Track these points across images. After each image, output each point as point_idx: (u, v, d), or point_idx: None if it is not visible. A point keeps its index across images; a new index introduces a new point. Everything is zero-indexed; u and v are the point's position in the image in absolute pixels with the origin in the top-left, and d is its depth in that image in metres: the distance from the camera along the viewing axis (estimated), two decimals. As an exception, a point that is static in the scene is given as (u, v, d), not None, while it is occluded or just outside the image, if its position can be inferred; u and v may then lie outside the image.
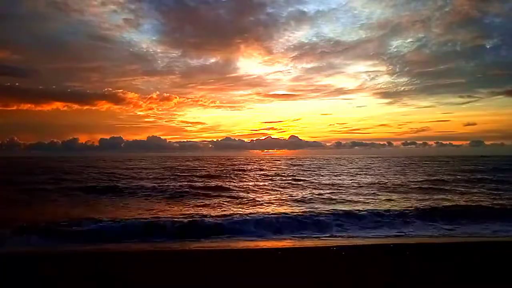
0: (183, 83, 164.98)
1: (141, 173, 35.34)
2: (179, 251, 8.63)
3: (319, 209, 13.96)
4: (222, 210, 14.12)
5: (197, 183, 24.01)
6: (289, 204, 15.88)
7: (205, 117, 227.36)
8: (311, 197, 17.82)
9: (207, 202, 16.38)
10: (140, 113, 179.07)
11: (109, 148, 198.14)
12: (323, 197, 17.94)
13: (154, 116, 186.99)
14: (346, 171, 39.29)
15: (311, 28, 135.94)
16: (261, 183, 25.19)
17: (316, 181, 26.50)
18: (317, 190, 20.78)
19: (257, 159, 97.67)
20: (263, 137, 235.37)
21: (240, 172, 37.22)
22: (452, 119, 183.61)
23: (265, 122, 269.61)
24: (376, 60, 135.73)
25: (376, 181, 26.04)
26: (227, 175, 33.33)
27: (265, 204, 15.82)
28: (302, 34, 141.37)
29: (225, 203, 16.14)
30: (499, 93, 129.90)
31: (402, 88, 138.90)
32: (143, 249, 8.81)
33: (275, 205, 15.55)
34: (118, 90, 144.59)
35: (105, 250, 8.63)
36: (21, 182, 24.00)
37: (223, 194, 19.06)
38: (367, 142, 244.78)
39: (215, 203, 15.96)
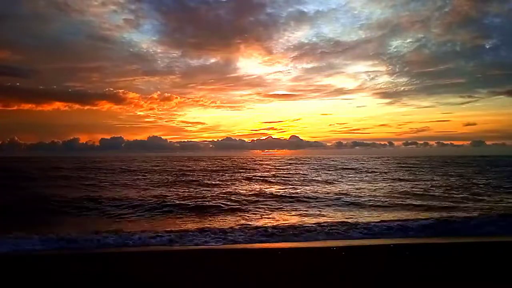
0: (184, 83, 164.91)
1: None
2: (179, 251, 8.64)
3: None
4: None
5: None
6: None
7: (205, 117, 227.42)
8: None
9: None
10: (140, 113, 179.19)
11: (109, 148, 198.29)
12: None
13: (154, 116, 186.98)
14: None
15: (311, 28, 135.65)
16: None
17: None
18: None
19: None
20: (264, 137, 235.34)
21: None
22: (452, 119, 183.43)
23: (265, 122, 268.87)
24: (376, 60, 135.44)
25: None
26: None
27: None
28: (302, 34, 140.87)
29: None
30: (499, 93, 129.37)
31: (402, 88, 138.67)
32: (145, 249, 8.82)
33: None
34: (119, 90, 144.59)
35: (109, 251, 8.65)
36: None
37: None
38: (368, 142, 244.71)
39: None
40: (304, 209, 14.91)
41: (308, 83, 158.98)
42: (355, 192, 20.37)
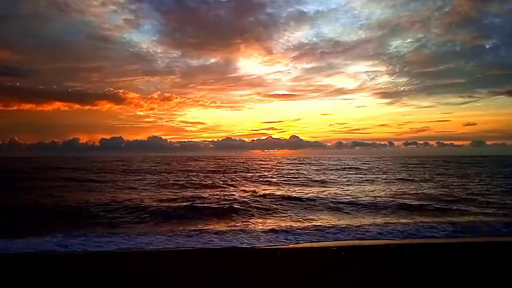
0: (184, 83, 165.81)
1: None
2: (179, 251, 8.65)
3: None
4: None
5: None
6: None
7: (205, 117, 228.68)
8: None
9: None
10: (140, 113, 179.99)
11: (109, 148, 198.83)
12: None
13: (154, 116, 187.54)
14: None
15: (311, 29, 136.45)
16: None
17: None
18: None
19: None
20: (264, 137, 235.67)
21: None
22: (452, 119, 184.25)
23: (265, 122, 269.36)
24: (376, 60, 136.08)
25: None
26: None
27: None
28: (302, 34, 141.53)
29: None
30: (499, 93, 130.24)
31: (402, 88, 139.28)
32: (145, 249, 8.82)
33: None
34: (119, 90, 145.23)
35: (109, 251, 8.65)
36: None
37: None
38: (368, 142, 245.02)
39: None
40: (305, 210, 14.91)
41: (308, 83, 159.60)
42: (355, 193, 20.36)
